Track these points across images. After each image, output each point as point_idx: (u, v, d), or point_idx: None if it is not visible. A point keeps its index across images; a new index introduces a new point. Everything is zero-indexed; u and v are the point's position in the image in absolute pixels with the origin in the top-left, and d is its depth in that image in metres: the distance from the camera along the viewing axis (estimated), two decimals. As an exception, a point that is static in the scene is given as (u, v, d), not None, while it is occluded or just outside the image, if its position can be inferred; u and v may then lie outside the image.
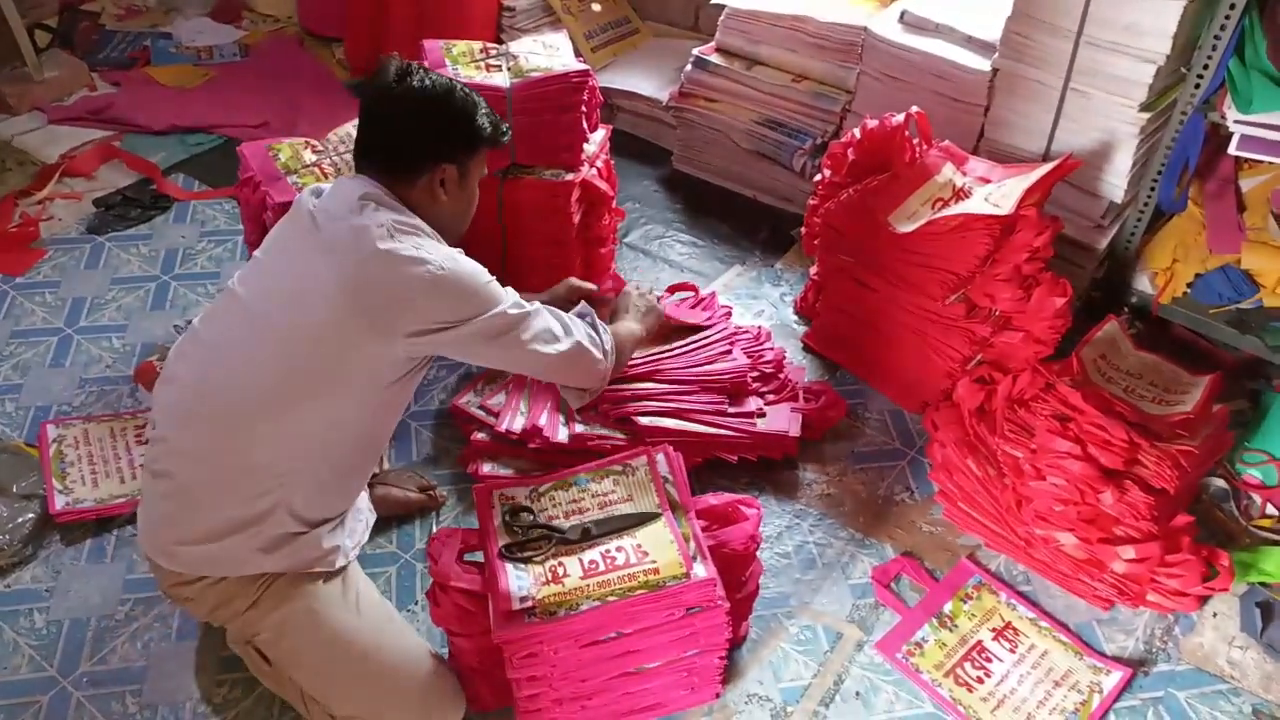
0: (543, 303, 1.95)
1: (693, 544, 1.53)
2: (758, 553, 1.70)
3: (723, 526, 1.63)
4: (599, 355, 1.74)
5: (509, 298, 1.58)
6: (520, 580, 1.47)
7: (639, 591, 1.46)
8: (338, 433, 1.52)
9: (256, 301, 1.51)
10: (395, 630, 1.62)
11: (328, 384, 1.46)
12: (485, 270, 1.55)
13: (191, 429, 1.50)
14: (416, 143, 1.52)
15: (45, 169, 2.95)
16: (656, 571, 1.48)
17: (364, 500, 1.74)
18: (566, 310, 1.82)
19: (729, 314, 2.32)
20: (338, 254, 1.45)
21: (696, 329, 2.19)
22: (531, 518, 1.57)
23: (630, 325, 1.95)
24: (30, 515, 1.92)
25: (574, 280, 2.01)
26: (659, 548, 1.51)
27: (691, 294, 2.41)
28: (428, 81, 1.52)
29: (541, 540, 1.53)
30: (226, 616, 1.56)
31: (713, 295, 2.40)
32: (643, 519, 1.56)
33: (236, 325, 1.51)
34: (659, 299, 2.12)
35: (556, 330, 1.65)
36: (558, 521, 1.57)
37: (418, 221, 1.51)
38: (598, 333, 1.77)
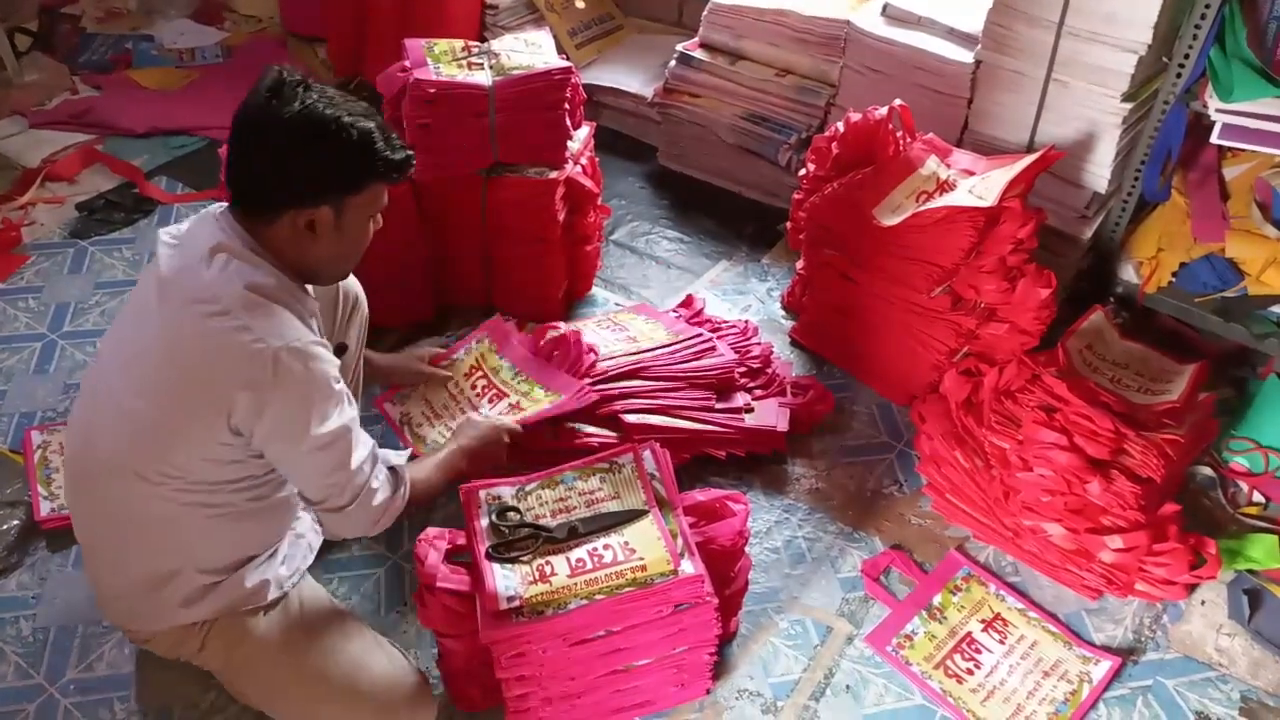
0: (384, 365, 2.00)
1: (680, 540, 1.52)
2: (746, 548, 1.69)
3: (710, 522, 1.63)
4: (378, 519, 1.50)
5: (346, 413, 1.40)
6: (507, 580, 1.47)
7: (627, 589, 1.46)
8: (212, 493, 1.41)
9: (109, 364, 1.44)
10: (350, 646, 1.57)
11: (173, 454, 1.36)
12: (328, 364, 1.37)
13: (80, 496, 1.49)
14: (277, 180, 1.33)
15: (27, 174, 2.93)
16: (644, 569, 1.48)
17: (306, 523, 1.68)
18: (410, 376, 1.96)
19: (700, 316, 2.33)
20: (167, 321, 1.34)
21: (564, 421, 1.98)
22: (519, 517, 1.57)
23: (446, 461, 1.69)
24: (15, 522, 1.91)
25: (424, 349, 2.08)
26: (646, 545, 1.51)
27: (683, 310, 2.40)
28: (301, 106, 1.29)
29: (529, 539, 1.53)
30: (185, 656, 1.57)
31: (689, 299, 2.40)
32: (630, 516, 1.56)
33: (99, 388, 1.44)
34: (514, 426, 1.84)
35: (371, 484, 1.46)
36: (545, 520, 1.56)
37: (271, 283, 1.35)
38: (400, 491, 1.53)
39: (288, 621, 1.56)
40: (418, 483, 1.59)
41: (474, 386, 2.03)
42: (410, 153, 1.42)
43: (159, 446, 1.37)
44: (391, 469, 1.53)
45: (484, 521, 1.56)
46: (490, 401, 1.99)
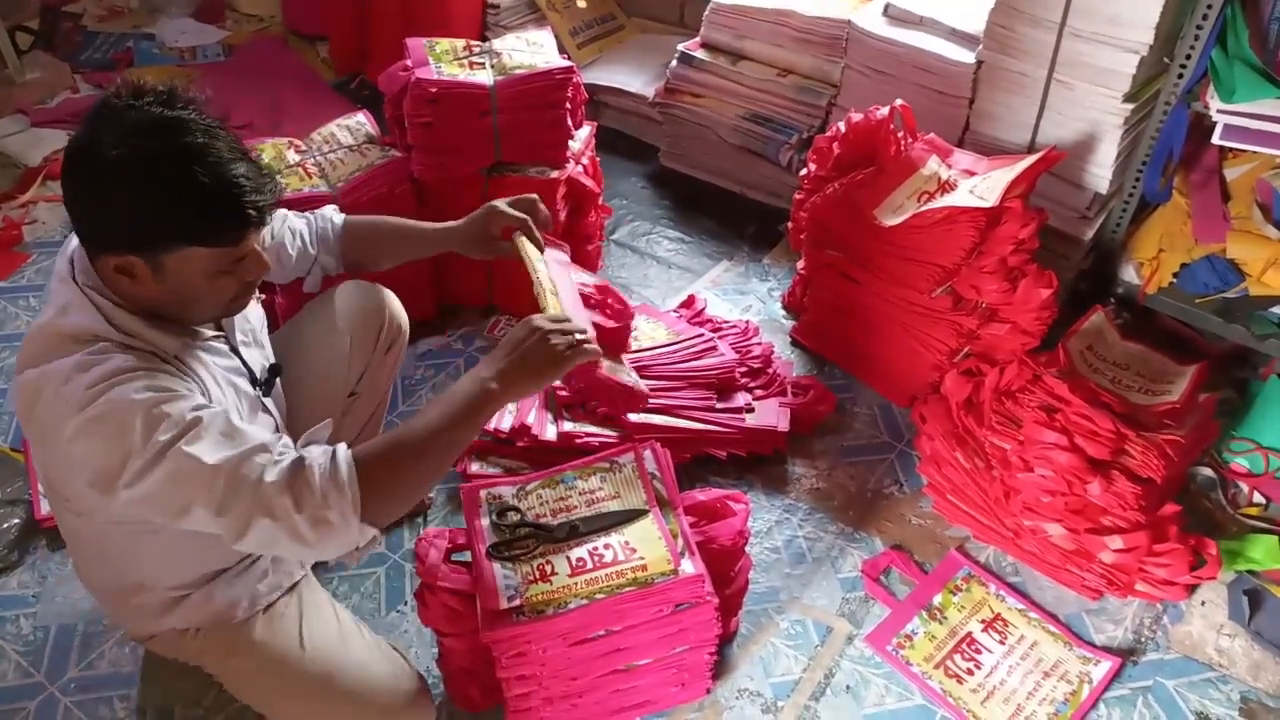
0: (460, 228, 1.57)
1: (680, 540, 1.52)
2: (747, 548, 1.69)
3: (711, 522, 1.63)
4: (309, 521, 1.15)
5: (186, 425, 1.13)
6: (508, 579, 1.46)
7: (627, 589, 1.46)
8: (142, 526, 1.29)
9: None
10: (346, 653, 1.55)
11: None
12: (152, 405, 1.13)
13: (51, 503, 1.46)
14: (74, 215, 1.17)
15: (28, 172, 2.93)
16: (644, 568, 1.47)
17: None
18: (489, 240, 1.51)
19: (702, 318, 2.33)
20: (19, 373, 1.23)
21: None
22: (519, 516, 1.57)
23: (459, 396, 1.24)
24: (15, 521, 1.91)
25: (498, 203, 1.56)
26: (647, 544, 1.51)
27: (684, 310, 2.40)
28: (111, 138, 1.10)
29: (529, 539, 1.53)
30: (183, 659, 1.56)
31: (691, 299, 2.40)
32: (630, 516, 1.56)
33: None
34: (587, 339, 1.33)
35: (267, 475, 1.14)
36: (545, 520, 1.56)
37: (98, 325, 1.19)
38: (334, 476, 1.16)
39: (284, 627, 1.54)
40: (411, 433, 1.20)
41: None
42: (252, 214, 1.15)
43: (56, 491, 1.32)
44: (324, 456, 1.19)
45: (484, 520, 1.56)
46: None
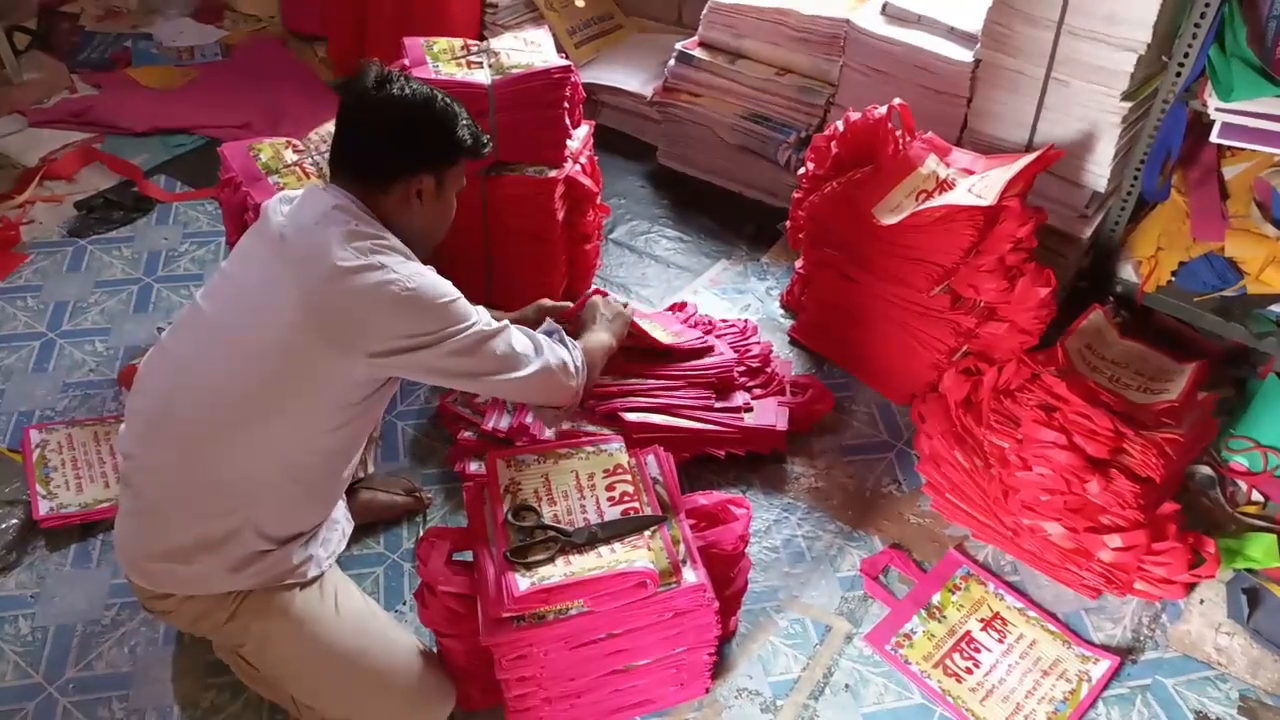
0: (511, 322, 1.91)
1: (682, 548, 1.52)
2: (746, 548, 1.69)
3: (712, 526, 1.63)
4: (571, 372, 1.63)
5: (476, 317, 1.51)
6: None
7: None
8: (303, 451, 1.48)
9: (219, 316, 1.47)
10: (378, 630, 1.60)
11: (289, 403, 1.42)
12: (452, 287, 1.49)
13: (156, 446, 1.48)
14: (393, 152, 1.48)
15: (26, 172, 2.93)
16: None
17: (340, 510, 1.70)
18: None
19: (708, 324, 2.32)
20: (298, 269, 1.41)
21: (668, 349, 2.11)
22: (537, 518, 1.54)
23: (599, 336, 1.82)
24: (14, 521, 1.91)
25: (545, 302, 1.95)
26: (650, 553, 1.50)
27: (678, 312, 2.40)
28: (408, 90, 1.47)
29: (548, 542, 1.50)
30: (207, 629, 1.55)
31: (682, 305, 2.40)
32: (649, 522, 1.54)
33: (200, 340, 1.48)
34: (625, 305, 1.98)
35: (525, 350, 1.57)
36: (563, 525, 1.53)
37: (387, 236, 1.46)
38: (568, 350, 1.67)
39: (321, 601, 1.57)
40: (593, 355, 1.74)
41: (612, 489, 1.62)
42: (488, 136, 1.59)
43: (278, 406, 1.42)
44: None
45: (506, 507, 1.53)
46: (617, 503, 1.60)
